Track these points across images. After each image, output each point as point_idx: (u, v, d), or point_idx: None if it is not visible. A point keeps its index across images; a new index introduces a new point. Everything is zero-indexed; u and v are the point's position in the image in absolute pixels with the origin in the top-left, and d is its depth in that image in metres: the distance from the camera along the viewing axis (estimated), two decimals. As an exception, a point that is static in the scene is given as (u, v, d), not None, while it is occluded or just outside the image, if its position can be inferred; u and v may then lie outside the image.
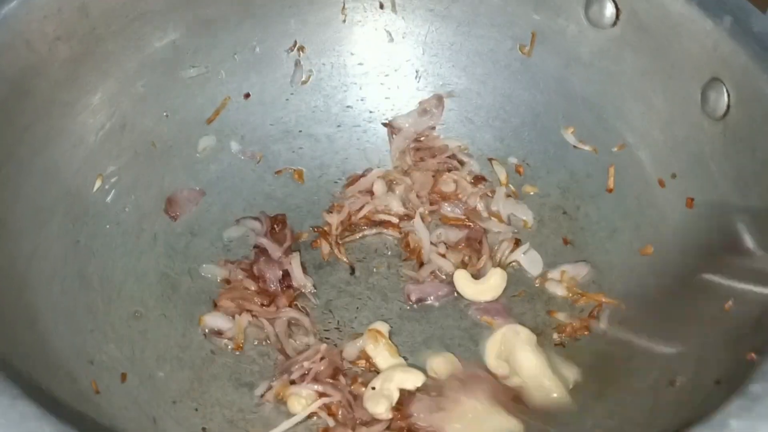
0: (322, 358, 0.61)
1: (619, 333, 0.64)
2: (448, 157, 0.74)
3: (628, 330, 0.64)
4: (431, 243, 0.69)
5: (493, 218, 0.71)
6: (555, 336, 0.65)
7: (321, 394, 0.60)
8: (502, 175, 0.73)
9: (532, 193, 0.73)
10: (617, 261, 0.67)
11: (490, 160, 0.74)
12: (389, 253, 0.70)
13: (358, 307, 0.67)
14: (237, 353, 0.64)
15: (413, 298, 0.67)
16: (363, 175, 0.74)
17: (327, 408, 0.60)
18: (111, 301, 0.65)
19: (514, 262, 0.69)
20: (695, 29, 0.61)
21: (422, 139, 0.76)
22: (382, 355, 0.63)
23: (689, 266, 0.63)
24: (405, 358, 0.64)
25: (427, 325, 0.66)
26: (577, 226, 0.70)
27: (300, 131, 0.76)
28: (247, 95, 0.74)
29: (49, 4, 0.62)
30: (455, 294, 0.67)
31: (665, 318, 0.62)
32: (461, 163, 0.74)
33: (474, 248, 0.69)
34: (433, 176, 0.73)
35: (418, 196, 0.72)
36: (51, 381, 0.56)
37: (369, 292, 0.68)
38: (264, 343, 0.65)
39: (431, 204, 0.72)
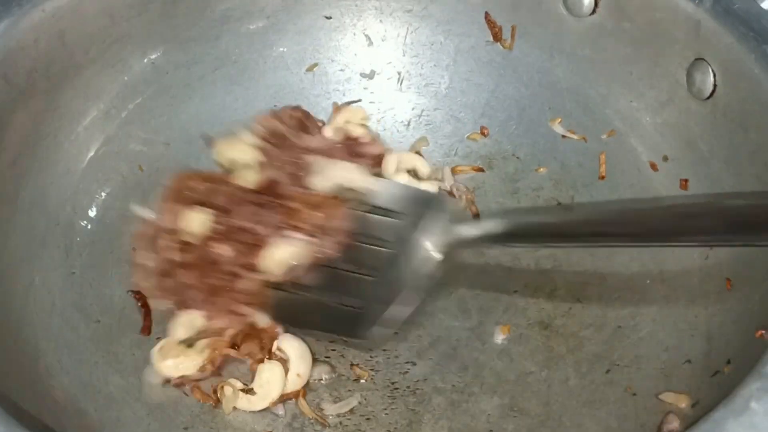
0: None
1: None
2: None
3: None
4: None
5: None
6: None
7: None
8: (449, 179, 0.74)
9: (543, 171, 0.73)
10: (616, 248, 0.67)
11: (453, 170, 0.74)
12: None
13: (361, 315, 0.67)
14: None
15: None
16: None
17: None
18: (112, 330, 0.64)
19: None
20: (676, 11, 0.62)
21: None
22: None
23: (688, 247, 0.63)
24: (413, 363, 0.64)
25: (432, 329, 0.66)
26: (572, 216, 0.70)
27: (287, 142, 0.75)
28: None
29: (25, 36, 0.61)
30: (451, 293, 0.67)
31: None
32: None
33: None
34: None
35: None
36: (60, 418, 0.56)
37: (371, 299, 0.68)
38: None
39: None
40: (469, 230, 0.57)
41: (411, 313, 0.59)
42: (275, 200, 0.62)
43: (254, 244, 0.60)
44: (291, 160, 0.64)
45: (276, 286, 0.60)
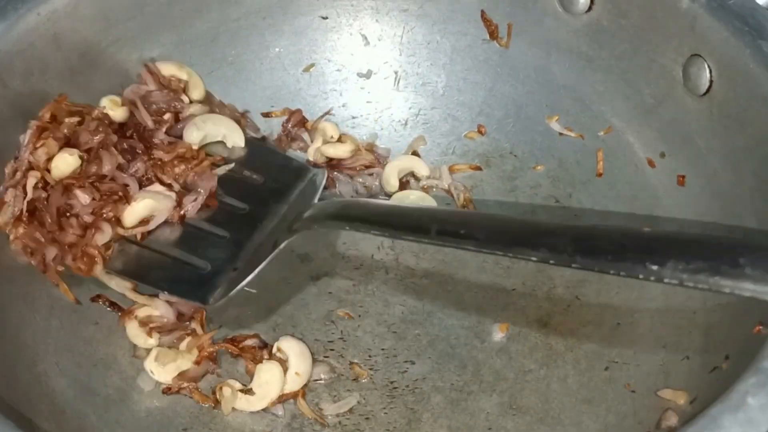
0: None
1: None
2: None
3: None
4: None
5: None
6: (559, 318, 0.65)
7: None
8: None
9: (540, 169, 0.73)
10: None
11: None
12: (387, 257, 0.70)
13: (360, 315, 0.67)
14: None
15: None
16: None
17: None
18: (110, 332, 0.64)
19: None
20: (672, 7, 0.62)
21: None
22: None
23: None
24: (412, 362, 0.64)
25: (431, 327, 0.66)
26: (570, 214, 0.70)
27: (284, 143, 0.76)
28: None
29: (21, 40, 0.62)
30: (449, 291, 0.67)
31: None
32: None
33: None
34: None
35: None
36: (58, 419, 0.56)
37: (370, 299, 0.68)
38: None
39: None
40: (311, 210, 0.60)
41: (250, 280, 0.59)
42: (143, 146, 0.63)
43: (115, 195, 0.60)
44: (164, 105, 0.66)
45: (127, 238, 0.61)
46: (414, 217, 0.53)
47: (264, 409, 0.61)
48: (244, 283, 0.59)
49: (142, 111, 0.65)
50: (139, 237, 0.61)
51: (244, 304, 0.66)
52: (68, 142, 0.61)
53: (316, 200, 0.65)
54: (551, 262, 0.44)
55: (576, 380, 0.61)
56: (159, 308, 0.62)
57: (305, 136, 0.74)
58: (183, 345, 0.63)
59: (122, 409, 0.60)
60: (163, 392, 0.61)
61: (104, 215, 0.60)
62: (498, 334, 0.65)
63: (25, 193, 0.59)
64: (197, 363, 0.62)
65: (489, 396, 0.61)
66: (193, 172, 0.64)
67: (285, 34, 0.75)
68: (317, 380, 0.63)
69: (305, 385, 0.62)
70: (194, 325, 0.63)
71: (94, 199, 0.59)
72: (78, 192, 0.59)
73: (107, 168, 0.61)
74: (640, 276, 0.40)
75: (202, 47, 0.73)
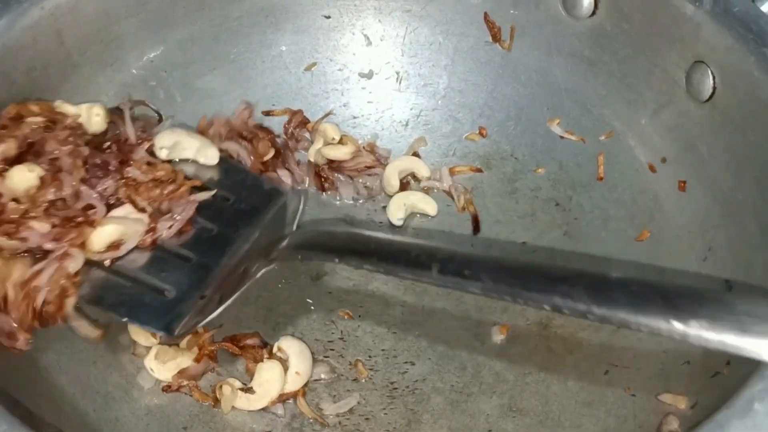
0: None
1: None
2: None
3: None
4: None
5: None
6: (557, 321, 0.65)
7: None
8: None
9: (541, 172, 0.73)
10: (613, 249, 0.67)
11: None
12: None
13: (360, 315, 0.67)
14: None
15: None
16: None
17: None
18: (110, 329, 0.63)
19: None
20: (675, 13, 0.62)
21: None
22: None
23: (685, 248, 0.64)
24: (412, 363, 0.64)
25: (431, 328, 0.66)
26: (570, 217, 0.70)
27: (285, 142, 0.75)
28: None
29: (24, 35, 0.61)
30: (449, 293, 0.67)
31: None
32: None
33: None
34: None
35: None
36: (58, 416, 0.56)
37: (370, 299, 0.68)
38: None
39: None
40: (293, 238, 0.57)
41: (218, 313, 0.56)
42: (117, 162, 0.58)
43: (79, 219, 0.55)
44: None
45: (91, 261, 0.55)
46: (413, 254, 0.49)
47: (264, 409, 0.61)
48: (214, 314, 0.56)
49: (128, 123, 0.61)
50: (108, 263, 0.56)
51: (244, 304, 0.66)
52: (31, 148, 0.56)
53: (294, 227, 0.62)
54: (565, 311, 0.41)
55: (576, 383, 0.61)
56: None
57: (307, 135, 0.74)
58: (183, 343, 0.62)
59: (122, 406, 0.60)
60: (163, 390, 0.61)
61: (71, 240, 0.54)
62: (498, 336, 0.65)
63: None
64: (197, 361, 0.62)
65: (489, 398, 0.62)
66: (170, 197, 0.59)
67: (287, 33, 0.75)
68: (317, 380, 0.63)
69: (305, 385, 0.62)
70: None
71: (54, 225, 0.54)
72: (34, 224, 0.53)
73: (67, 191, 0.55)
74: (663, 334, 0.38)
75: (204, 45, 0.72)
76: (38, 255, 0.54)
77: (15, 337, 0.52)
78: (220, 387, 0.61)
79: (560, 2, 0.69)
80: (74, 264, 0.53)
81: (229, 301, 0.56)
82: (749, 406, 0.42)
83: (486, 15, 0.72)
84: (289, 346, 0.63)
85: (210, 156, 0.64)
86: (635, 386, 0.59)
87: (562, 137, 0.72)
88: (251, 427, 0.60)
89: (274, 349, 0.63)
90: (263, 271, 0.58)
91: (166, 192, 0.59)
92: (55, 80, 0.64)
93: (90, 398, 0.59)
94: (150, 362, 0.61)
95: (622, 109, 0.68)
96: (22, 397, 0.51)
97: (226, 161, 0.65)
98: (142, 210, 0.58)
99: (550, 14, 0.70)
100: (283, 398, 0.61)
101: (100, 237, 0.55)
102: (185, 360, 0.61)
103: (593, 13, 0.67)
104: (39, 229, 0.53)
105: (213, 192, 0.61)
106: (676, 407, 0.55)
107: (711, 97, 0.61)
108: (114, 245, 0.56)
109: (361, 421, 0.61)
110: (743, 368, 0.46)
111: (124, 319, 0.55)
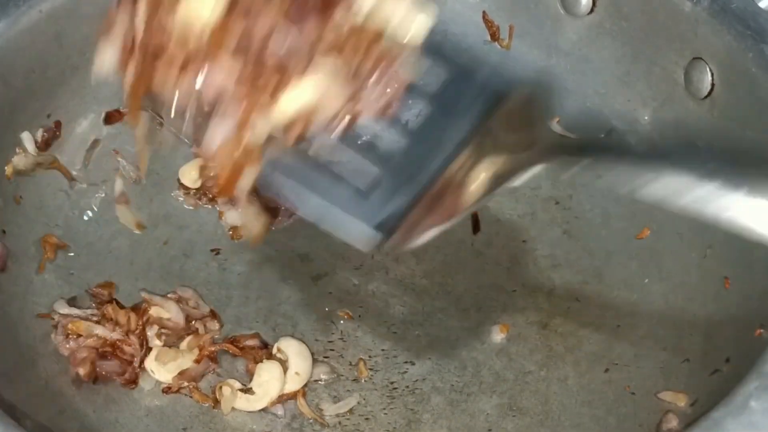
0: None
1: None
2: None
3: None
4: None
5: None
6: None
7: None
8: None
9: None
10: (614, 247, 0.67)
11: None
12: (387, 257, 0.70)
13: (360, 315, 0.67)
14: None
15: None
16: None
17: None
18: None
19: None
20: (674, 10, 0.62)
21: None
22: None
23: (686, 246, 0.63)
24: (412, 363, 0.64)
25: (431, 328, 0.66)
26: (571, 216, 0.70)
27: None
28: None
29: (22, 37, 0.61)
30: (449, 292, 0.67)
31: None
32: None
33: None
34: None
35: None
36: (58, 420, 0.56)
37: (370, 299, 0.68)
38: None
39: None
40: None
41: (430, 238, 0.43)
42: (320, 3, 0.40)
43: (274, 74, 0.40)
44: None
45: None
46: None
47: (264, 409, 0.61)
48: (425, 238, 0.43)
49: None
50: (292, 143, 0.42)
51: (244, 304, 0.66)
52: None
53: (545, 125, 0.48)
54: None
55: (576, 382, 0.61)
56: (170, 310, 0.62)
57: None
58: (183, 344, 0.62)
59: (122, 408, 0.60)
60: (163, 392, 0.61)
61: (252, 102, 0.39)
62: (498, 335, 0.65)
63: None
64: (197, 362, 0.62)
65: (489, 397, 0.61)
66: (387, 57, 0.43)
67: (286, 34, 0.75)
68: (317, 380, 0.63)
69: (305, 385, 0.62)
70: (196, 324, 0.63)
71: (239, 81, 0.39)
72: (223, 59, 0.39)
73: (261, 30, 0.39)
74: None
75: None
76: None
77: None
78: (220, 388, 0.61)
79: (559, 0, 0.69)
80: (257, 134, 0.40)
81: (447, 224, 0.43)
82: (745, 404, 0.41)
83: (484, 14, 0.72)
84: (288, 346, 0.63)
85: (418, 27, 0.46)
86: (635, 384, 0.59)
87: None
88: (251, 428, 0.61)
89: (274, 350, 0.63)
90: (528, 174, 0.45)
91: (375, 54, 0.42)
92: (54, 82, 0.64)
93: (89, 400, 0.59)
94: (150, 363, 0.61)
95: (621, 107, 0.68)
96: (20, 400, 0.52)
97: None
98: (352, 70, 0.42)
99: (548, 12, 0.70)
100: (282, 399, 0.61)
101: (295, 97, 0.40)
102: (186, 361, 0.62)
103: (591, 10, 0.67)
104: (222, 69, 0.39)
105: (428, 64, 0.46)
106: (675, 405, 0.55)
107: (709, 94, 0.61)
108: (306, 115, 0.41)
109: (361, 421, 0.61)
110: (742, 365, 0.46)
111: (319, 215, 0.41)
